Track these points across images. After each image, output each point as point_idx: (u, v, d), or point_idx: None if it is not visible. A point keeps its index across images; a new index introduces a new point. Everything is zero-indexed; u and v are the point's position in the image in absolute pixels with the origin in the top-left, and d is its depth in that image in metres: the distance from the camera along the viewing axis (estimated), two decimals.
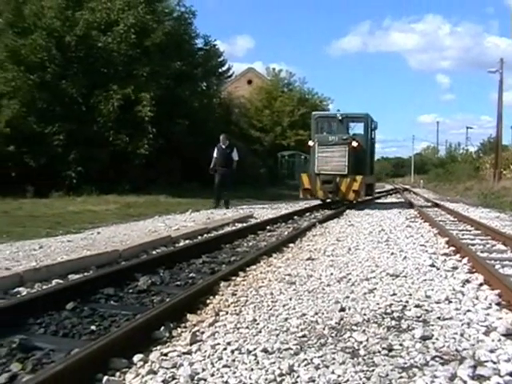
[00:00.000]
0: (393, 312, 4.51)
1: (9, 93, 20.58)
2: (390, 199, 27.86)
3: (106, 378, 3.07)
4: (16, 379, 3.11)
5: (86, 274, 5.89)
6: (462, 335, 3.90)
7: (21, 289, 5.17)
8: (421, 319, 4.32)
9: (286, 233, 10.15)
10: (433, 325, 4.16)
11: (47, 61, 21.23)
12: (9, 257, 6.55)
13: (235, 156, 16.49)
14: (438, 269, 6.42)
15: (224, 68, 38.29)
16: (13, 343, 3.51)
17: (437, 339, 3.82)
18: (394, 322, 4.23)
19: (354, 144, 16.90)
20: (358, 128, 19.19)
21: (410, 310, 4.58)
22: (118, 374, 3.18)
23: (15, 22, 21.54)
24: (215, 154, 16.48)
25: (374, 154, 21.91)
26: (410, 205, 20.31)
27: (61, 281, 5.53)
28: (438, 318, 4.36)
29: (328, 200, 17.41)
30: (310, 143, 17.65)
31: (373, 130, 19.69)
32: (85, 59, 22.12)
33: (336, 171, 16.67)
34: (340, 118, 18.32)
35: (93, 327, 4.04)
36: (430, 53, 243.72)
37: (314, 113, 20.41)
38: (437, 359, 3.45)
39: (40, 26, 21.13)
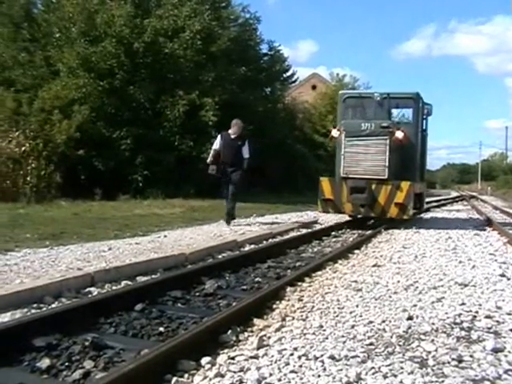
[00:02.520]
0: (462, 322, 4.39)
1: (80, 99, 21.22)
2: (456, 206, 27.10)
3: (174, 379, 3.10)
4: (89, 376, 3.19)
5: (153, 276, 6.00)
6: None
7: (92, 289, 5.32)
8: (492, 330, 4.19)
9: (351, 239, 10.05)
10: (505, 337, 4.03)
11: (116, 67, 21.80)
12: (80, 257, 6.74)
13: (246, 153, 11.73)
14: (509, 279, 6.21)
15: (288, 73, 38.29)
16: (86, 341, 3.61)
17: (509, 352, 3.70)
18: (463, 333, 4.11)
19: (399, 135, 12.01)
20: (404, 115, 15.38)
21: (480, 320, 4.45)
22: (186, 375, 3.21)
23: (87, 31, 22.23)
24: (217, 145, 11.81)
25: (426, 152, 15.75)
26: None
27: (130, 282, 5.66)
28: (511, 330, 4.21)
29: (359, 215, 12.66)
30: (334, 133, 12.70)
31: (425, 117, 14.45)
32: (152, 65, 22.60)
33: (371, 175, 11.79)
34: (378, 98, 13.03)
35: (161, 329, 4.10)
36: (499, 55, 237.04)
37: (341, 92, 15.08)
38: (510, 373, 3.32)
39: (110, 33, 21.72)
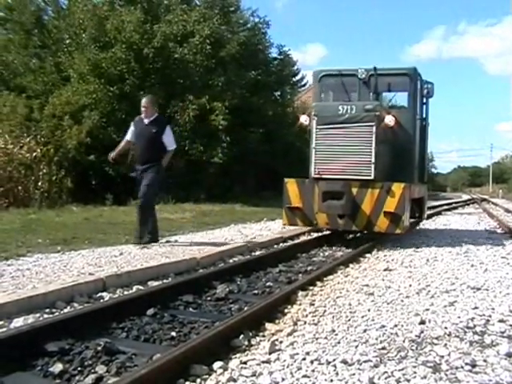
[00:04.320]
0: (475, 326, 4.36)
1: (90, 104, 21.34)
2: (467, 209, 26.97)
3: (187, 383, 3.11)
4: (102, 381, 3.20)
5: (165, 280, 6.01)
6: None
7: (104, 294, 5.34)
8: (505, 335, 4.15)
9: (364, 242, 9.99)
10: None
11: (126, 73, 21.89)
12: (91, 262, 6.76)
13: (169, 143, 8.84)
14: None
15: (298, 77, 38.38)
16: (98, 346, 3.62)
17: None
18: (476, 337, 4.08)
19: (389, 120, 9.28)
20: (397, 100, 11.50)
21: (493, 324, 4.42)
22: (198, 380, 3.21)
23: (98, 37, 22.35)
24: (128, 136, 9.04)
25: (427, 145, 12.33)
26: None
27: (141, 287, 5.67)
28: None
29: (338, 229, 9.67)
30: (303, 119, 9.95)
31: (425, 99, 11.47)
32: (162, 70, 22.68)
33: (352, 174, 9.10)
34: (364, 75, 10.29)
35: (173, 333, 4.10)
36: (509, 57, 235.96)
37: (316, 70, 11.30)
38: None
39: (120, 39, 21.83)
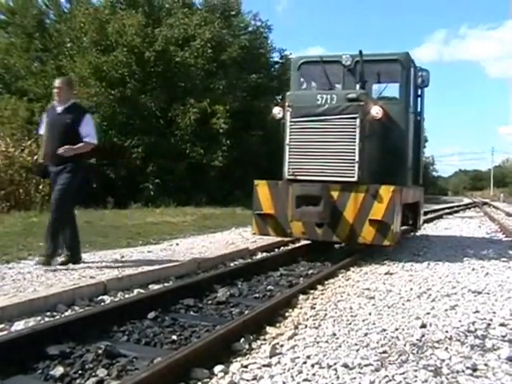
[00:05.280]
0: (476, 330, 4.35)
1: (91, 107, 21.36)
2: (468, 213, 26.94)
3: None
4: None
5: (166, 284, 6.02)
6: None
7: (105, 297, 5.34)
8: (506, 339, 4.15)
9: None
10: None
11: (128, 76, 21.97)
12: (93, 266, 6.76)
13: (88, 133, 6.99)
14: None
15: None
16: (99, 349, 3.62)
17: None
18: (477, 341, 4.08)
19: (376, 111, 8.02)
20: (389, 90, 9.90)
21: (494, 328, 4.41)
22: (199, 383, 3.21)
23: (99, 40, 22.42)
24: (41, 129, 7.18)
25: (423, 142, 11.18)
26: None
27: (142, 290, 5.67)
28: None
29: (316, 239, 8.28)
30: (276, 111, 8.65)
31: (420, 90, 10.10)
32: (163, 74, 22.75)
33: (332, 175, 7.85)
34: (349, 62, 9.10)
35: (174, 337, 4.10)
36: (510, 60, 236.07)
37: (294, 57, 10.62)
38: None
39: (121, 43, 21.90)
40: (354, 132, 7.72)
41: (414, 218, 10.47)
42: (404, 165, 9.24)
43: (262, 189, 8.24)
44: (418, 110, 10.21)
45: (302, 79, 9.85)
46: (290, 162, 8.07)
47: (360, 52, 8.90)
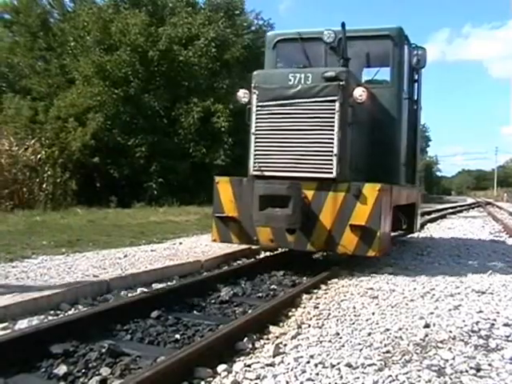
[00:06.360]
0: (480, 330, 4.34)
1: (95, 107, 21.41)
2: (472, 213, 26.88)
3: None
4: (106, 383, 3.20)
5: (169, 283, 6.02)
6: None
7: (108, 295, 5.34)
8: (510, 339, 4.14)
9: None
10: None
11: (131, 75, 21.96)
12: (96, 264, 6.76)
13: None
14: None
15: None
16: (102, 348, 3.62)
17: None
18: (481, 341, 4.06)
19: (359, 93, 6.58)
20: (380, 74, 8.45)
21: (498, 328, 4.40)
22: (202, 383, 3.21)
23: (102, 40, 22.42)
24: None
25: (419, 135, 9.51)
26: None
27: (145, 289, 5.67)
28: None
29: (289, 248, 7.19)
30: (241, 94, 7.43)
31: (416, 71, 8.76)
32: (167, 73, 22.75)
33: (305, 171, 6.59)
34: (331, 39, 7.52)
35: (177, 336, 4.10)
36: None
37: (269, 33, 9.21)
38: None
39: (125, 42, 21.90)
40: (333, 118, 6.44)
41: (409, 221, 8.92)
42: (396, 160, 7.99)
43: (224, 187, 7.10)
44: (415, 96, 8.93)
45: (277, 59, 8.57)
46: (255, 154, 6.84)
47: (342, 24, 7.22)
